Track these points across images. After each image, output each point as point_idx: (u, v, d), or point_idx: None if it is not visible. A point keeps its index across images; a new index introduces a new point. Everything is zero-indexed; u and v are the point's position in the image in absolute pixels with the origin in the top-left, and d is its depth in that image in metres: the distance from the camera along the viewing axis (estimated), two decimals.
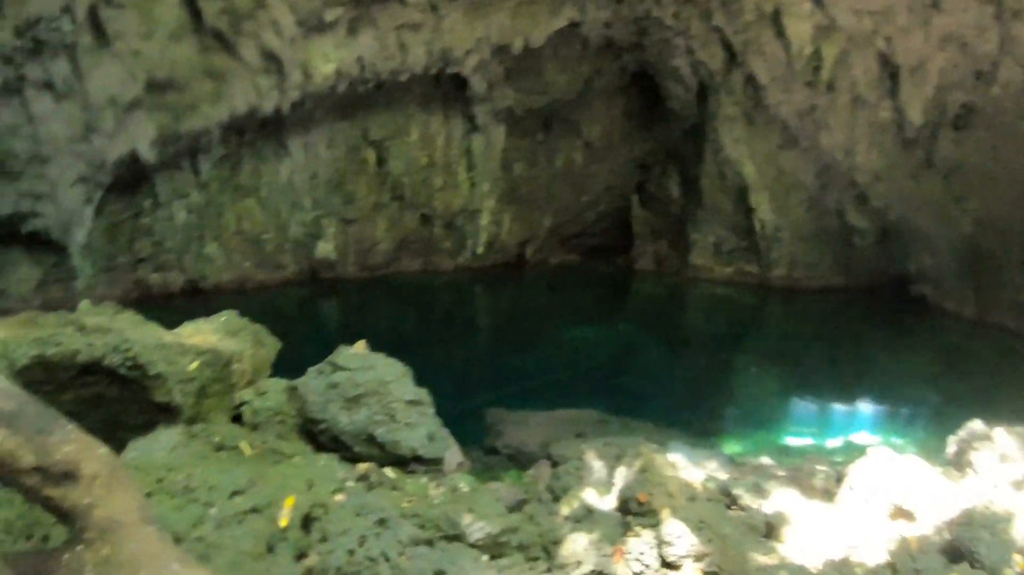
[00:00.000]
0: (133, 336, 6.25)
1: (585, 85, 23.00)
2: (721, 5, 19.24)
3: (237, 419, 6.22)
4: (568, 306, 21.52)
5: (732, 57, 20.42)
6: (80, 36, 15.48)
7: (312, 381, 5.63)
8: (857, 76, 19.02)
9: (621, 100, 24.23)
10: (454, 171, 22.85)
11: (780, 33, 18.99)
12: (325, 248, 21.81)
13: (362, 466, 5.30)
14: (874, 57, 18.68)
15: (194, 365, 5.78)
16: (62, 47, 15.53)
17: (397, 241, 22.87)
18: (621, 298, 22.85)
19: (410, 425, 5.58)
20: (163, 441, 4.97)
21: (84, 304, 8.16)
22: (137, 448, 4.93)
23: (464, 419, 10.74)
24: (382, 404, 5.53)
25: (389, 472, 5.39)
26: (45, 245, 18.40)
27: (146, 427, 5.22)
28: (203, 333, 6.62)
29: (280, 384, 6.43)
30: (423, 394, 5.81)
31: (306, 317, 20.40)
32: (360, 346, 5.91)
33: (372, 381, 5.58)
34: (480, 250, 23.38)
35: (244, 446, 5.06)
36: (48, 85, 15.98)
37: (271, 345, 6.94)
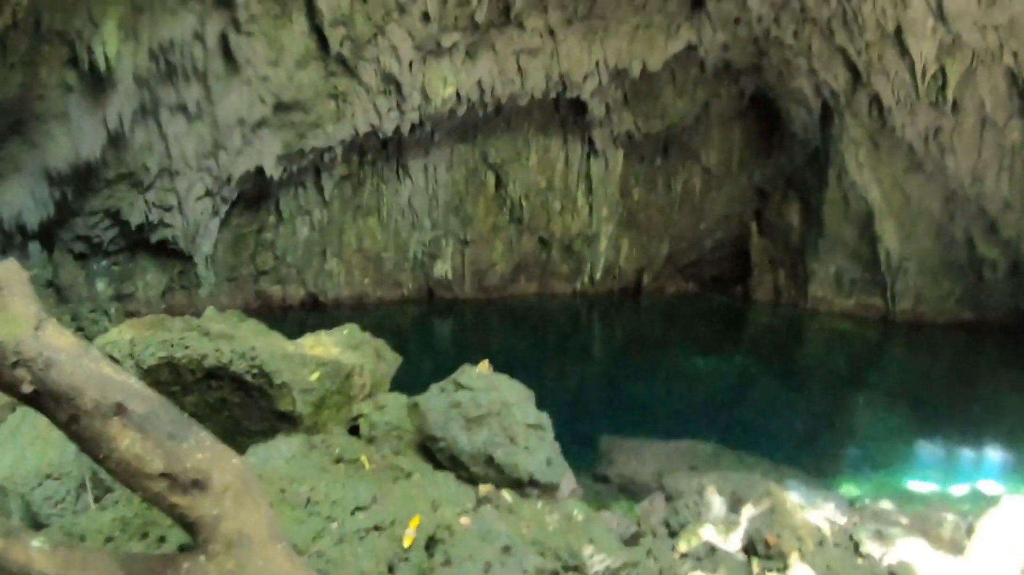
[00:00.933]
0: (257, 344, 6.35)
1: (703, 109, 22.62)
2: (843, 23, 18.48)
3: (354, 431, 6.20)
4: (684, 335, 21.08)
5: (856, 77, 19.58)
6: (211, 63, 16.14)
7: (434, 399, 5.54)
8: (983, 95, 17.99)
9: (739, 125, 23.75)
10: (572, 195, 22.84)
11: (903, 51, 18.14)
12: (443, 268, 22.18)
13: (483, 488, 5.16)
14: (1001, 75, 17.59)
15: (315, 375, 5.78)
16: (194, 72, 16.20)
17: (514, 264, 22.98)
18: (738, 329, 22.27)
19: (529, 449, 5.42)
20: (283, 449, 4.98)
21: (210, 311, 8.33)
22: (257, 454, 4.93)
23: (576, 444, 10.53)
24: (503, 426, 5.39)
25: (507, 495, 5.24)
26: (172, 254, 19.42)
27: (266, 434, 5.28)
28: (324, 345, 6.64)
29: (399, 399, 6.37)
30: (544, 418, 5.65)
31: (422, 335, 20.58)
32: (484, 366, 5.80)
33: (495, 402, 5.44)
34: (597, 276, 23.27)
35: (364, 459, 5.00)
36: (181, 108, 16.73)
37: (391, 360, 6.92)
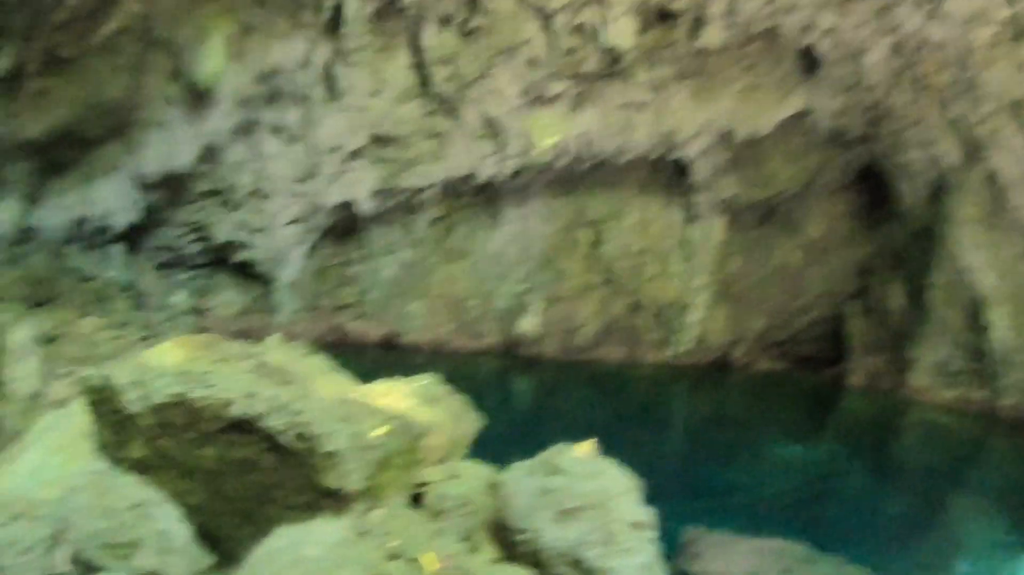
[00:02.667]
0: (316, 386, 5.65)
1: (810, 178, 21.55)
2: (961, 93, 17.35)
3: (417, 501, 5.50)
4: (772, 418, 19.75)
5: (972, 151, 18.24)
6: (314, 89, 16.05)
7: (521, 481, 4.72)
8: None
9: (845, 197, 22.41)
10: (668, 260, 21.93)
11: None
12: (528, 323, 21.42)
13: None
14: None
15: (380, 431, 5.08)
16: (296, 97, 16.15)
17: (602, 326, 22.06)
18: (829, 415, 20.79)
19: (628, 551, 4.61)
20: (323, 535, 4.00)
21: (274, 338, 7.75)
22: (287, 538, 4.00)
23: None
24: (601, 522, 4.58)
25: None
26: (253, 276, 19.25)
27: (303, 508, 4.23)
28: (397, 394, 5.95)
29: (476, 469, 5.63)
30: (648, 515, 4.83)
31: (500, 390, 19.84)
32: (587, 447, 5.01)
33: (595, 493, 4.62)
34: (687, 346, 22.23)
35: (427, 561, 4.17)
36: (279, 129, 16.68)
37: (472, 422, 6.19)
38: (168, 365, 5.28)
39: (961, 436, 19.30)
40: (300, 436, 4.12)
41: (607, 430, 16.46)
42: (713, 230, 21.64)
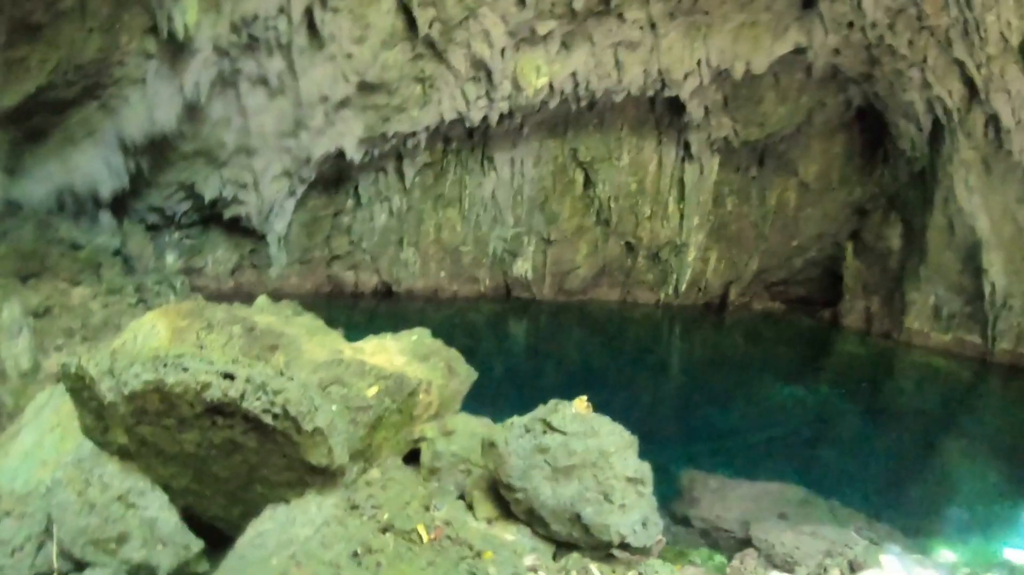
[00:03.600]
0: (305, 347, 5.50)
1: (805, 118, 21.23)
2: (962, 34, 16.92)
3: (413, 457, 5.39)
4: (768, 359, 19.74)
5: (972, 94, 17.89)
6: (295, 36, 15.56)
7: (516, 440, 4.59)
8: None
9: (842, 138, 22.17)
10: (663, 201, 21.74)
11: None
12: (523, 267, 21.43)
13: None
14: None
15: (372, 390, 4.95)
16: (277, 46, 15.69)
17: (597, 268, 22.04)
18: (825, 357, 20.79)
19: (624, 507, 4.50)
20: (312, 513, 3.91)
21: (261, 299, 7.55)
22: (275, 519, 3.92)
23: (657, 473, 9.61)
24: (597, 479, 4.46)
25: (595, 570, 4.33)
26: (245, 231, 19.11)
27: (291, 486, 4.10)
28: (388, 352, 5.82)
29: (470, 423, 5.53)
30: (645, 469, 4.69)
31: (496, 334, 19.88)
32: (580, 404, 4.87)
33: (591, 451, 4.49)
34: (682, 287, 22.18)
35: (422, 530, 4.04)
36: (262, 80, 16.24)
37: (465, 375, 6.05)
38: (146, 347, 5.13)
39: (956, 380, 19.29)
40: (281, 415, 3.91)
41: (603, 374, 16.49)
42: (708, 170, 21.40)
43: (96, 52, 13.58)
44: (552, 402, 4.83)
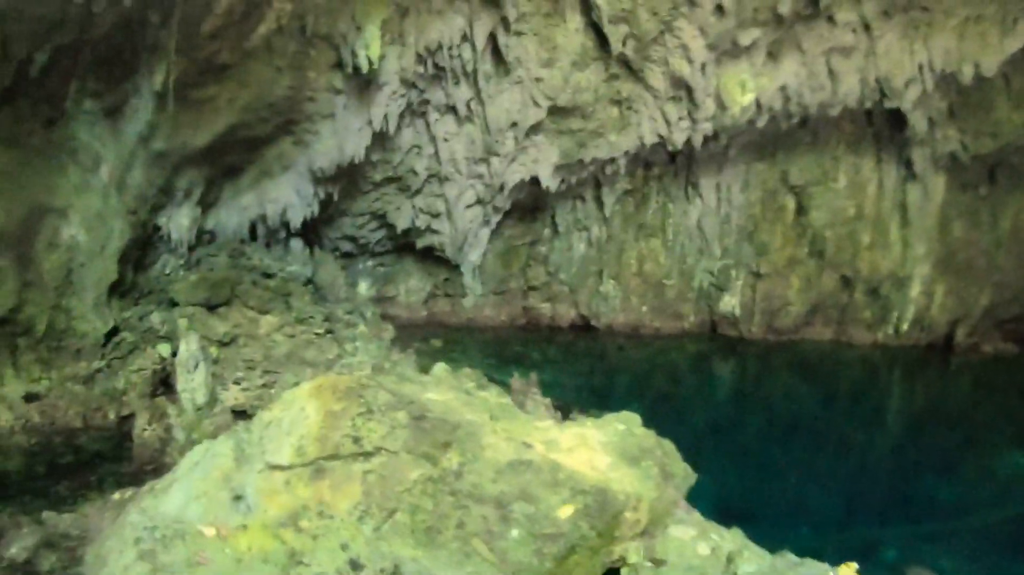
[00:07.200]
0: (484, 441, 4.67)
1: None
2: None
3: None
4: (1001, 414, 16.64)
5: None
6: (480, 63, 15.31)
7: None
8: None
9: None
10: (884, 227, 19.50)
11: None
12: (730, 302, 19.96)
13: None
14: None
15: (566, 511, 4.08)
16: (463, 73, 15.52)
17: (810, 304, 20.09)
18: None
19: None
20: None
21: (439, 369, 6.97)
22: None
23: (859, 553, 7.95)
24: None
25: None
26: (438, 260, 19.16)
27: None
28: (589, 447, 4.87)
29: (686, 551, 4.51)
30: None
31: (699, 377, 18.49)
32: (849, 571, 3.81)
33: None
34: (904, 326, 19.81)
35: None
36: (451, 108, 16.16)
37: (681, 479, 5.06)
38: (293, 432, 4.59)
39: None
40: None
41: (812, 426, 14.72)
42: (934, 190, 19.00)
43: (286, 89, 13.92)
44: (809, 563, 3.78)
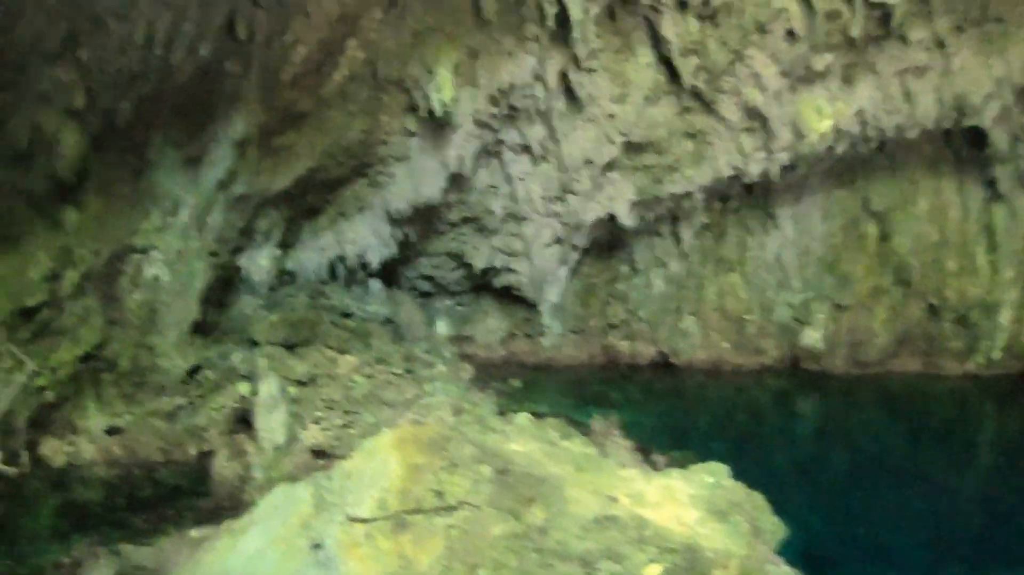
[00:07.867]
0: (568, 495, 4.63)
1: None
2: None
3: None
4: None
5: None
6: (553, 102, 15.41)
7: None
8: None
9: None
10: (971, 251, 18.73)
11: None
12: (812, 336, 19.29)
13: None
14: None
15: (653, 571, 4.00)
16: (536, 113, 15.65)
17: (897, 335, 19.29)
18: None
19: None
20: None
21: (522, 418, 7.00)
22: None
23: None
24: None
25: None
26: (517, 299, 19.12)
27: None
28: (676, 501, 4.78)
29: None
30: None
31: (781, 414, 18.03)
32: None
33: None
34: (995, 354, 18.82)
35: None
36: (525, 148, 16.30)
37: (770, 533, 4.94)
38: (375, 485, 4.63)
39: None
40: None
41: (900, 465, 14.13)
42: (1020, 210, 18.21)
43: (360, 134, 14.37)
44: None
